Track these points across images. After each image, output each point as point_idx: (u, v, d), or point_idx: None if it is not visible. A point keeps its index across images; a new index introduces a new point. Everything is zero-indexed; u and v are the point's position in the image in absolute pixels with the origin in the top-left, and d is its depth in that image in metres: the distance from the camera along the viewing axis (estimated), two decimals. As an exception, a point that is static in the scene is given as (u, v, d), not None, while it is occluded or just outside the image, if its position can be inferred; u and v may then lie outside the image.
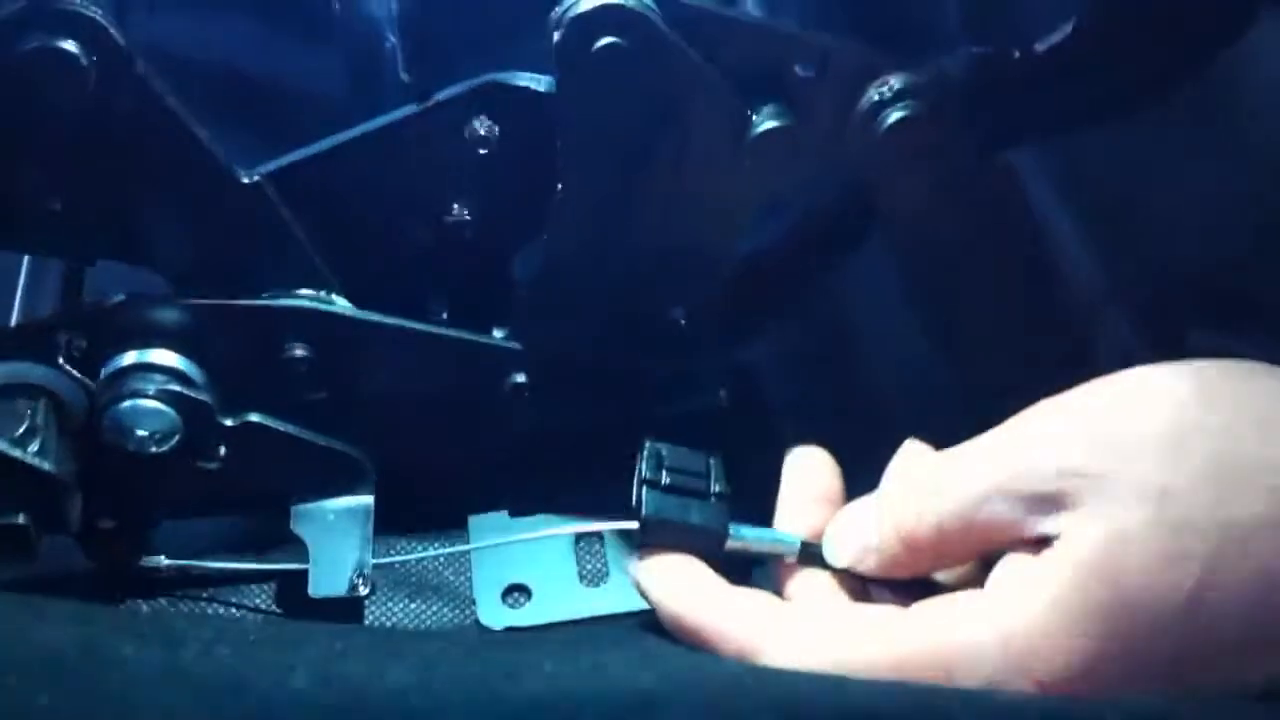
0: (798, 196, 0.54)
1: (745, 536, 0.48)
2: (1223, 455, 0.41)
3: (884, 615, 0.44)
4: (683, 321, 0.52)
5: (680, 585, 0.46)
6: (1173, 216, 0.57)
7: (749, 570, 0.50)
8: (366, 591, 0.50)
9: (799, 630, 0.44)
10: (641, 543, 0.48)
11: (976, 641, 0.41)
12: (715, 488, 0.49)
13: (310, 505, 0.51)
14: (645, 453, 0.49)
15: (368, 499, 0.51)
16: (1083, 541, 0.41)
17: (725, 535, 0.48)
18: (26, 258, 0.52)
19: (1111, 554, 0.40)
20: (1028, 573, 0.42)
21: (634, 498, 0.48)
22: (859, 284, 0.59)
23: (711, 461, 0.50)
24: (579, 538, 0.55)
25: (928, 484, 0.45)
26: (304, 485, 0.51)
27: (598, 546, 0.55)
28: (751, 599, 0.46)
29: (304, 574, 0.50)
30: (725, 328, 0.53)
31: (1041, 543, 0.42)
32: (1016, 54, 0.50)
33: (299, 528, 0.51)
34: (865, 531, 0.46)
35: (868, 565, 0.46)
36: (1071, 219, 0.59)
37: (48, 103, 0.43)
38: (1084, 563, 0.40)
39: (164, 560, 0.51)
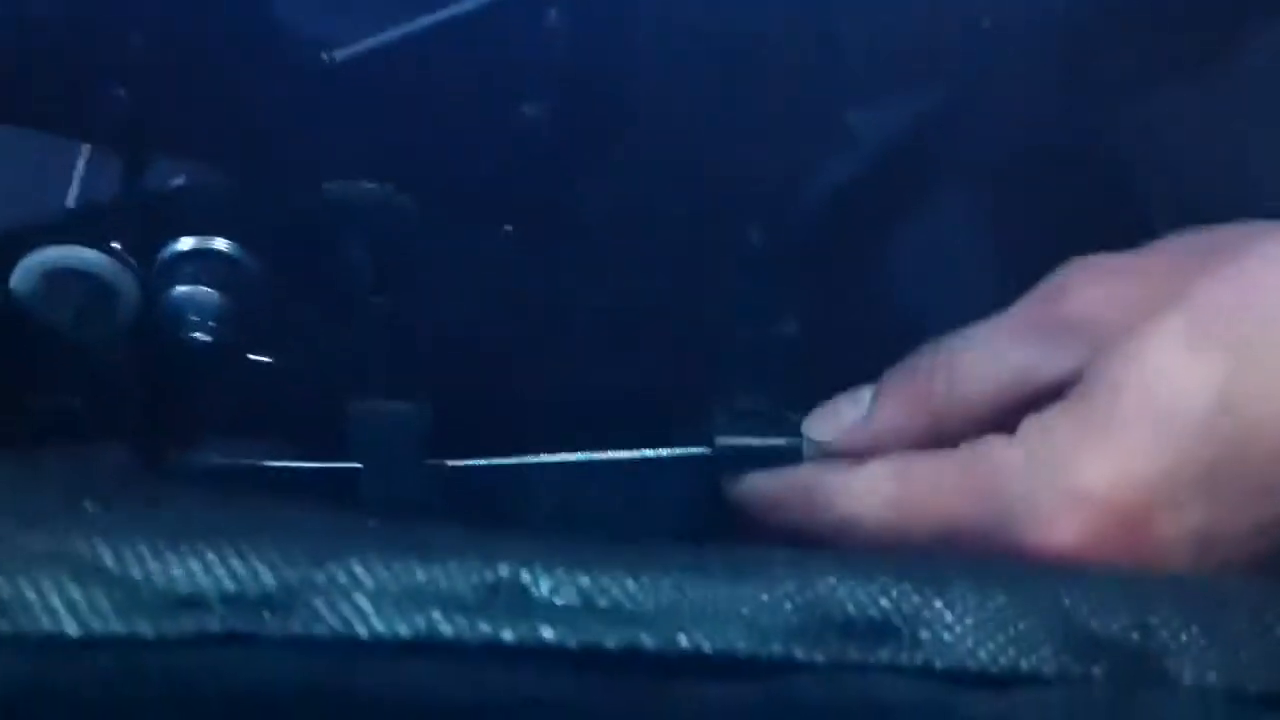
0: (875, 126, 0.53)
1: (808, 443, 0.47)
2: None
3: (934, 458, 0.43)
4: (756, 240, 0.51)
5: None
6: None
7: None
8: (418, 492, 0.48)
9: (860, 478, 0.44)
10: (715, 466, 0.48)
11: (1017, 474, 0.40)
12: (789, 413, 0.48)
13: (366, 405, 0.49)
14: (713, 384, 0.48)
15: (426, 405, 0.49)
16: (1115, 362, 0.39)
17: (800, 450, 0.46)
18: (87, 145, 0.51)
19: (1138, 361, 0.39)
20: (1059, 406, 0.41)
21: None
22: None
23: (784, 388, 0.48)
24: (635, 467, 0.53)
25: (944, 350, 0.44)
26: (360, 385, 0.49)
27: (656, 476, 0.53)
28: (818, 463, 0.46)
29: (356, 475, 0.48)
30: (802, 253, 0.52)
31: (1069, 384, 0.41)
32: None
33: (353, 429, 0.49)
34: (862, 402, 0.45)
35: (856, 435, 0.45)
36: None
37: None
38: (1117, 381, 0.39)
39: (216, 459, 0.50)
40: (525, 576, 0.29)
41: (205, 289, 0.46)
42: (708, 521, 0.51)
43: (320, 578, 0.28)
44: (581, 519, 0.52)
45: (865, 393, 0.46)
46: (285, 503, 0.39)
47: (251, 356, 0.49)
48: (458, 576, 0.29)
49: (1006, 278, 0.53)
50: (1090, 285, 0.42)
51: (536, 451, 0.53)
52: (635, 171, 0.49)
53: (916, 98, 0.50)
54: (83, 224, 0.47)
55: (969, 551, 0.41)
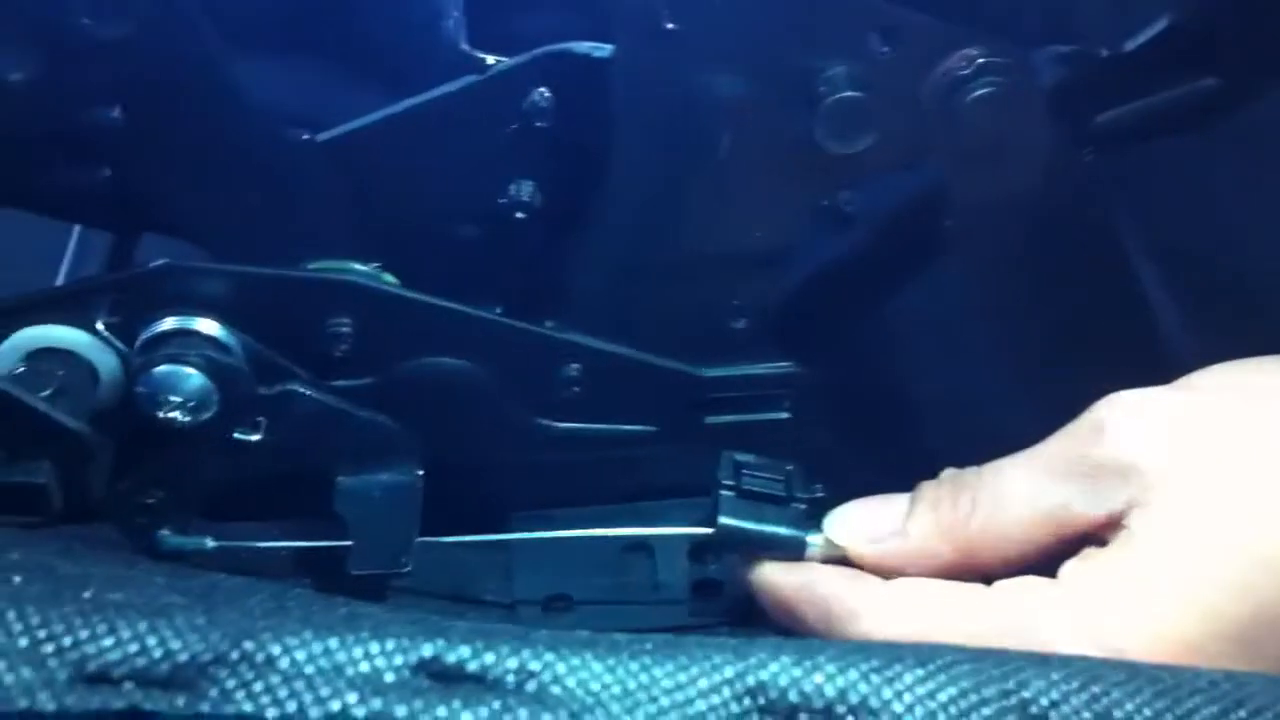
0: (867, 202, 0.52)
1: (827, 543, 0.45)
2: None
3: (969, 591, 0.42)
4: (742, 326, 0.50)
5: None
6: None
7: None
8: (409, 568, 0.47)
9: (888, 599, 0.42)
10: (717, 549, 0.48)
11: (1054, 622, 0.39)
12: (796, 494, 0.47)
13: (354, 480, 0.49)
14: (723, 461, 0.48)
15: (415, 474, 0.49)
16: (1155, 514, 0.39)
17: (804, 542, 0.45)
18: (78, 228, 0.51)
19: (1186, 521, 0.38)
20: (1101, 556, 0.39)
21: (712, 505, 0.47)
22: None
23: (791, 469, 0.48)
24: (626, 551, 0.52)
25: (982, 480, 0.43)
26: (348, 459, 0.49)
27: (645, 559, 0.52)
28: (842, 572, 0.44)
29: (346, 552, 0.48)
30: (787, 338, 0.51)
31: (1106, 529, 0.40)
32: (1104, 52, 0.48)
33: (341, 504, 0.48)
34: (893, 515, 0.44)
35: (887, 549, 0.44)
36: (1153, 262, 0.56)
37: (93, 40, 0.42)
38: (1158, 534, 0.38)
39: (209, 542, 0.49)
40: (450, 658, 0.28)
41: (186, 369, 0.46)
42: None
43: (235, 655, 0.27)
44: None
45: (897, 505, 0.45)
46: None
47: (237, 435, 0.48)
48: (378, 657, 0.28)
49: (1001, 339, 0.53)
50: (1127, 425, 0.41)
51: (529, 527, 0.53)
52: (621, 251, 0.49)
53: (908, 176, 0.49)
54: (66, 304, 0.47)
55: None
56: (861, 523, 0.45)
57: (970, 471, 0.44)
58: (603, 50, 0.45)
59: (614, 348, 0.50)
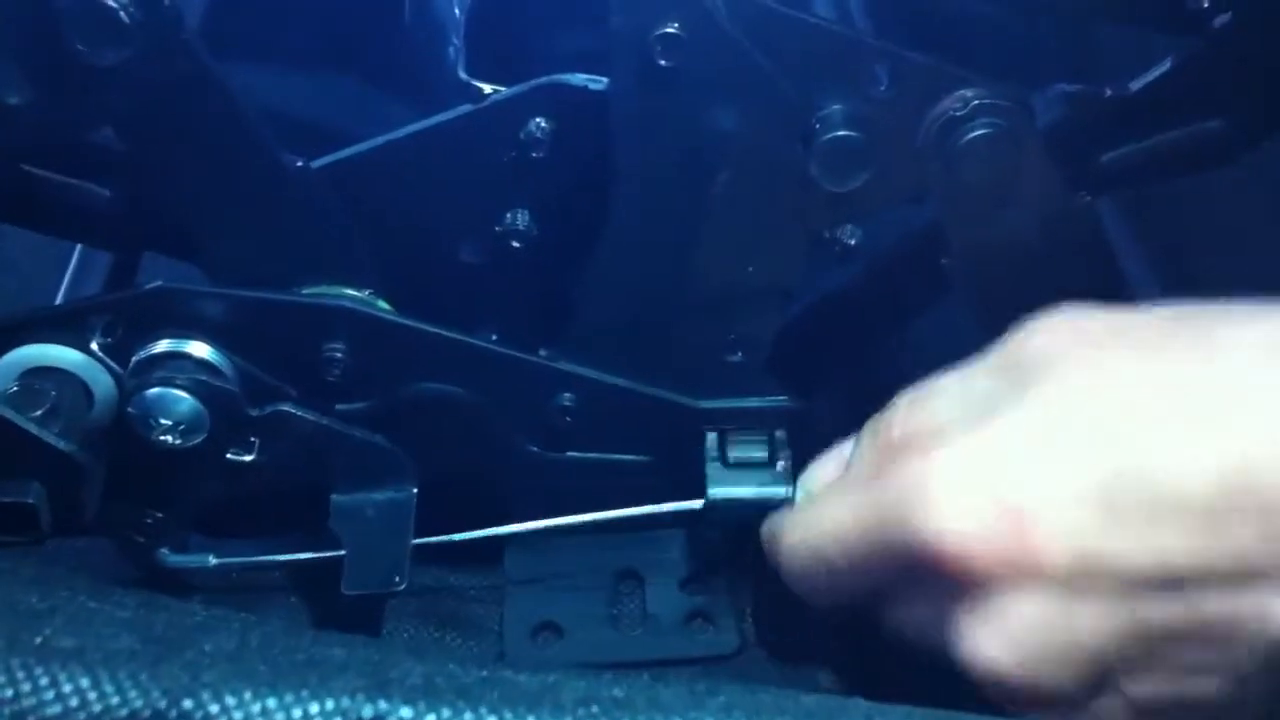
0: (869, 235, 0.51)
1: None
2: None
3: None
4: (739, 358, 0.50)
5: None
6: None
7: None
8: (403, 586, 0.47)
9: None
10: (706, 520, 0.49)
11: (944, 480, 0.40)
12: (779, 459, 0.49)
13: (349, 499, 0.49)
14: (707, 440, 0.50)
15: (409, 492, 0.49)
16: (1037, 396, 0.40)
17: (792, 499, 0.47)
18: (79, 246, 0.52)
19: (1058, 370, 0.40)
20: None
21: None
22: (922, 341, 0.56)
23: (777, 436, 0.50)
24: (618, 580, 0.52)
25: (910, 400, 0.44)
26: (342, 477, 0.49)
27: (636, 589, 0.52)
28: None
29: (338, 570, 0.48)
30: (784, 371, 0.51)
31: None
32: (1108, 92, 0.48)
33: (336, 523, 0.49)
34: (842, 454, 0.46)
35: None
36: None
37: (89, 66, 0.42)
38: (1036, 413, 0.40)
39: (211, 559, 0.50)
40: (406, 713, 0.28)
41: (177, 392, 0.46)
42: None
43: (173, 713, 0.27)
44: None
45: (847, 446, 0.46)
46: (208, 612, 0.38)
47: (231, 457, 0.49)
48: (317, 718, 0.28)
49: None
50: (1057, 329, 0.41)
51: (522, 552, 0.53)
52: (617, 282, 0.49)
53: (910, 211, 0.49)
54: (61, 323, 0.47)
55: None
56: (820, 468, 0.47)
57: (908, 392, 0.44)
58: (599, 83, 0.45)
59: (608, 378, 0.50)
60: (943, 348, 0.54)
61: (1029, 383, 0.40)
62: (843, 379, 0.54)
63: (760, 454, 0.50)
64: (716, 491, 0.49)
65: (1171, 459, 0.37)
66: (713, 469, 0.49)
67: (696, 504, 0.49)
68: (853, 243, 0.49)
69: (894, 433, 0.42)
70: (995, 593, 0.39)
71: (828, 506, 0.44)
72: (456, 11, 0.49)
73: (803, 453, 0.49)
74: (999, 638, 0.39)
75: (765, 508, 0.48)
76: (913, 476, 0.40)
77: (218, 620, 0.35)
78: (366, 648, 0.34)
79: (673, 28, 0.42)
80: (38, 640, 0.30)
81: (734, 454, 0.50)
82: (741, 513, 0.48)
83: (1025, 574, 0.38)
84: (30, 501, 0.45)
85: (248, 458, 0.48)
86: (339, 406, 0.49)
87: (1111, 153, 0.48)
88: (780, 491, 0.48)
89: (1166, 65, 0.47)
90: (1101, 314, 0.41)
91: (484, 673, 0.32)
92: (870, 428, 0.44)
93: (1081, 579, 0.37)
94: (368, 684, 0.29)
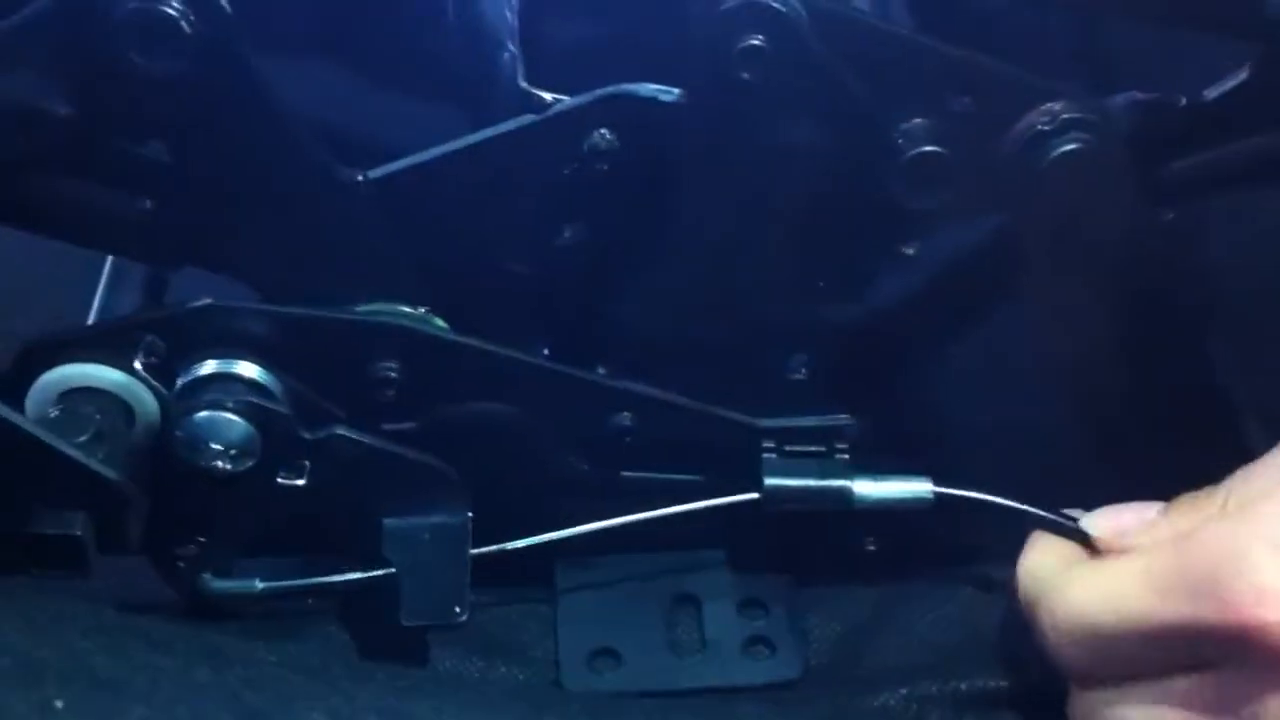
0: (934, 248, 0.50)
1: (873, 489, 0.46)
2: None
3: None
4: (803, 375, 0.49)
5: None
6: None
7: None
8: (465, 618, 0.46)
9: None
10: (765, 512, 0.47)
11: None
12: (837, 446, 0.48)
13: (402, 523, 0.47)
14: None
15: (464, 516, 0.47)
16: None
17: (850, 491, 0.46)
18: (110, 258, 0.50)
19: None
20: None
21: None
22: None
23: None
24: (674, 604, 0.51)
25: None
26: (395, 502, 0.47)
27: (693, 613, 0.50)
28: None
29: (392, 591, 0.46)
30: (848, 388, 0.49)
31: None
32: (1183, 101, 0.46)
33: (389, 550, 0.47)
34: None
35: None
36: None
37: (144, 77, 0.40)
38: None
39: (258, 584, 0.48)
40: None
41: (227, 416, 0.44)
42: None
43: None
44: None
45: (1153, 507, 0.42)
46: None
47: (281, 480, 0.47)
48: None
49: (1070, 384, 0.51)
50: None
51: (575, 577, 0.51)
52: (680, 298, 0.47)
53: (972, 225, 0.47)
54: (103, 341, 0.45)
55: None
56: (1114, 517, 0.43)
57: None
58: (669, 94, 0.43)
59: (668, 396, 0.48)
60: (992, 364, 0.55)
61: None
62: (899, 395, 0.53)
63: (817, 446, 0.48)
64: (773, 481, 0.47)
65: None
66: (768, 460, 0.47)
67: (752, 496, 0.47)
68: (910, 253, 0.47)
69: (1217, 499, 0.39)
70: None
71: (1122, 562, 0.40)
72: (508, 15, 0.48)
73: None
74: None
75: (823, 498, 0.47)
76: (1230, 537, 0.36)
77: (297, 676, 0.33)
78: (464, 709, 0.32)
79: (757, 40, 0.40)
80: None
81: (790, 445, 0.48)
82: (799, 504, 0.47)
83: None
84: (78, 534, 0.43)
85: (299, 481, 0.47)
86: (388, 426, 0.47)
87: (1183, 164, 0.47)
88: (841, 483, 0.47)
89: (1244, 74, 0.46)
90: None
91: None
92: (1189, 496, 0.41)
93: None
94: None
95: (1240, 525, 0.36)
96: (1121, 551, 0.41)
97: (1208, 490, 0.40)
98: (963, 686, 0.47)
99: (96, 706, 0.29)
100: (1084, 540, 0.42)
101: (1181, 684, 0.38)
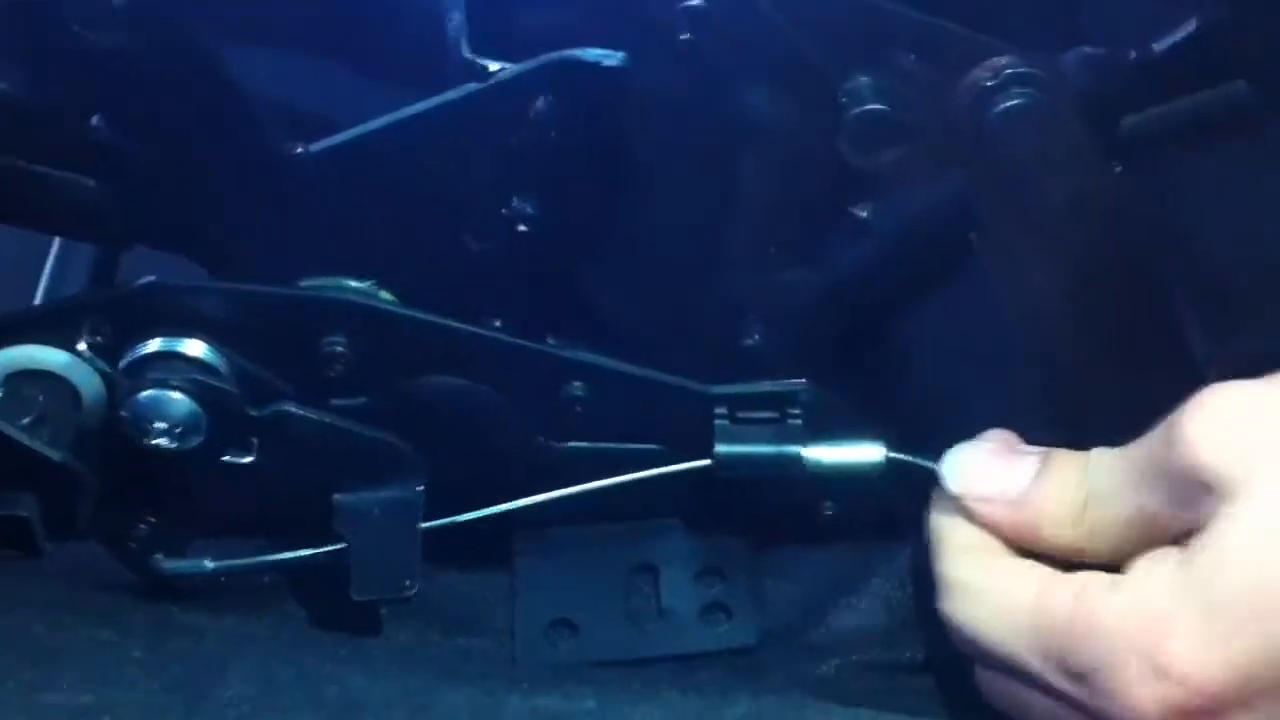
0: (887, 216, 0.50)
1: (825, 455, 0.46)
2: None
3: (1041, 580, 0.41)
4: (756, 341, 0.48)
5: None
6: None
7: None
8: (414, 591, 0.45)
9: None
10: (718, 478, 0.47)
11: (1110, 627, 0.38)
12: (790, 411, 0.47)
13: (353, 498, 0.47)
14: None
15: (416, 491, 0.47)
16: (1228, 529, 0.37)
17: (799, 457, 0.46)
18: (57, 240, 0.49)
19: (1247, 533, 0.37)
20: (1170, 561, 0.38)
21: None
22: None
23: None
24: (632, 573, 0.50)
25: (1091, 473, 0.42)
26: (347, 478, 0.47)
27: (651, 581, 0.50)
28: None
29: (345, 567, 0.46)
30: (802, 354, 0.49)
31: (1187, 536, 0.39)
32: (1133, 54, 0.46)
33: (340, 524, 0.46)
34: (1011, 480, 0.43)
35: (989, 512, 0.43)
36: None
37: (82, 48, 0.40)
38: (1232, 552, 0.37)
39: (208, 564, 0.47)
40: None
41: (172, 394, 0.44)
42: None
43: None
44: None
45: (1018, 468, 0.44)
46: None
47: (229, 458, 0.46)
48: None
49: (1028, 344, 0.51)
50: (1213, 430, 0.38)
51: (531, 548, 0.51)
52: (631, 265, 0.47)
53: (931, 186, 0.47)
54: (47, 323, 0.44)
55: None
56: (981, 479, 0.44)
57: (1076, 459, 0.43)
58: (613, 58, 0.43)
59: (619, 365, 0.48)
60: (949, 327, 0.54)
61: (1199, 508, 0.38)
62: (855, 360, 0.52)
63: (770, 413, 0.48)
64: (723, 448, 0.47)
65: None
66: (720, 426, 0.47)
67: (704, 462, 0.47)
68: (866, 217, 0.47)
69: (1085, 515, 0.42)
70: None
71: (1012, 596, 0.42)
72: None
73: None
74: None
75: (775, 464, 0.46)
76: (1096, 627, 0.39)
77: (232, 648, 0.33)
78: (400, 677, 0.32)
79: (697, 0, 0.40)
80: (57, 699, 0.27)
81: (742, 412, 0.48)
82: (751, 470, 0.47)
83: None
84: (24, 514, 0.42)
85: (246, 459, 0.46)
86: (339, 402, 0.47)
87: (1135, 118, 0.47)
88: (792, 449, 0.46)
89: (1192, 25, 0.45)
90: (1249, 401, 0.39)
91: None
92: (1065, 456, 0.43)
93: None
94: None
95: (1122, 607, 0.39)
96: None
97: (1078, 464, 0.43)
98: (906, 655, 0.47)
99: (28, 675, 0.29)
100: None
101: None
